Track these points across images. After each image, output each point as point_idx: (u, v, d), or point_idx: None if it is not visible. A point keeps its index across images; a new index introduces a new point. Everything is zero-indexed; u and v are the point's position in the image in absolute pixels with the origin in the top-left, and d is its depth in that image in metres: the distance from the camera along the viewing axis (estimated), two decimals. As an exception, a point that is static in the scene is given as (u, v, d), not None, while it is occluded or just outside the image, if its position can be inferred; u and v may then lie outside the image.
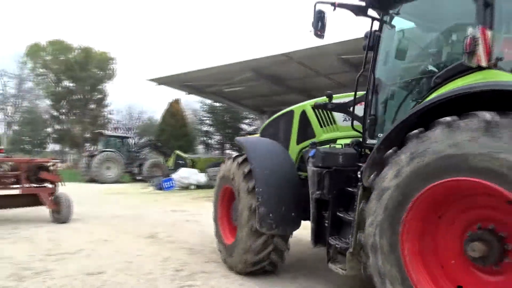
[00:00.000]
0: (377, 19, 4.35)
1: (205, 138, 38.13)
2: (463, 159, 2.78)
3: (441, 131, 2.91)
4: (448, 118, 2.93)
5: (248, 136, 6.64)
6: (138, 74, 75.05)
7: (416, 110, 3.20)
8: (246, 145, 5.19)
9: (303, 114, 5.37)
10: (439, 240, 3.11)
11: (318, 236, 4.25)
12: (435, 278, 3.04)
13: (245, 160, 5.08)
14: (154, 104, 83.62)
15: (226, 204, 5.79)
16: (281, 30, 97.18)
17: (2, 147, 30.66)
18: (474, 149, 2.73)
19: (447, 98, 3.04)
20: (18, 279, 4.85)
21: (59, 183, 9.43)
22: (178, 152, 22.38)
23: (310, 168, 4.37)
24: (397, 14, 4.21)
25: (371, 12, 4.40)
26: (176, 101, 34.85)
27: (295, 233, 4.94)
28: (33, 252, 6.21)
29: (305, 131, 5.38)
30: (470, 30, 3.31)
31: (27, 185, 9.02)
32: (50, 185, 9.32)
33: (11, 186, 9.20)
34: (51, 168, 9.48)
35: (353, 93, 4.51)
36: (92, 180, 22.38)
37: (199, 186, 18.40)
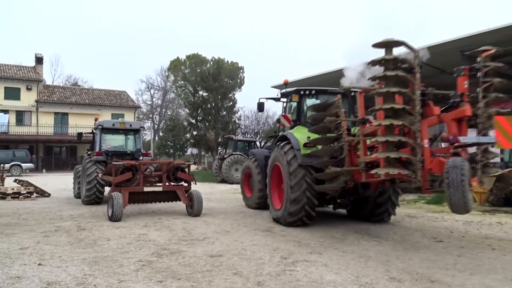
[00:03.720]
0: (284, 102, 10.48)
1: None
2: (274, 157, 9.41)
3: (275, 148, 9.36)
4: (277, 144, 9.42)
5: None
6: (264, 82, 78.50)
7: (277, 137, 9.75)
8: (254, 153, 12.39)
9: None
10: (279, 181, 9.29)
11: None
12: (278, 192, 9.44)
13: (255, 160, 11.93)
14: (279, 109, 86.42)
15: (247, 178, 12.68)
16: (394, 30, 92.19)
17: (150, 151, 35.30)
18: (276, 155, 9.27)
19: (275, 136, 10.84)
20: (158, 256, 6.12)
21: (192, 182, 10.97)
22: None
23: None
24: (290, 100, 10.01)
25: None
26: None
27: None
28: (171, 237, 7.57)
29: None
30: (278, 115, 11.34)
31: (167, 183, 10.71)
32: (185, 184, 10.92)
33: (156, 184, 11.04)
34: (186, 169, 11.06)
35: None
36: (223, 181, 24.47)
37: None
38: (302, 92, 9.64)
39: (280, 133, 9.89)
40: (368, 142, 7.48)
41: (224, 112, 43.76)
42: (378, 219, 9.26)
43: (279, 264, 5.67)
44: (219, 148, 41.14)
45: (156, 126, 70.93)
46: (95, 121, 13.86)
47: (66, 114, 44.23)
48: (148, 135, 65.49)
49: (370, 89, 6.96)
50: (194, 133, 44.73)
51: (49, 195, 15.45)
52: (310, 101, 9.78)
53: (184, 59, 53.19)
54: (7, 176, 21.76)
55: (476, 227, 9.04)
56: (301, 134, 8.77)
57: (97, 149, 13.16)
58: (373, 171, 6.67)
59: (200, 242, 7.18)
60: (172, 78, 56.49)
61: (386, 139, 6.20)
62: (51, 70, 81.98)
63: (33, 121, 42.44)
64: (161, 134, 64.12)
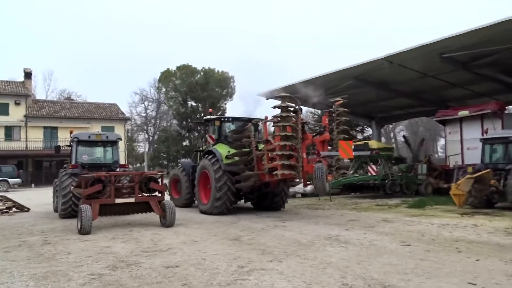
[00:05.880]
0: (208, 125, 14.88)
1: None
2: (202, 165, 13.09)
3: (203, 159, 13.10)
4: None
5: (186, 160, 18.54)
6: (252, 90, 78.49)
7: (204, 152, 13.79)
8: (181, 163, 16.87)
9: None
10: (205, 183, 12.96)
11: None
12: (204, 191, 13.14)
13: (184, 169, 15.03)
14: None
15: (174, 183, 15.76)
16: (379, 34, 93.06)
17: (140, 164, 35.00)
18: (204, 164, 12.92)
19: (199, 151, 15.43)
20: (112, 269, 5.94)
21: (165, 192, 10.79)
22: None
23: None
24: (213, 124, 14.08)
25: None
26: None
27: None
28: (134, 249, 7.39)
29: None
30: (207, 136, 14.61)
31: (139, 194, 10.51)
32: (158, 194, 10.73)
33: (129, 195, 10.82)
34: (159, 179, 10.88)
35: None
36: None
37: (303, 195, 18.86)
38: (222, 119, 13.94)
39: (204, 148, 14.61)
40: (270, 155, 11.27)
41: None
42: (275, 207, 13.38)
43: (233, 274, 5.50)
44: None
45: (150, 137, 70.63)
46: (70, 133, 13.67)
47: (56, 128, 43.86)
48: (142, 147, 65.23)
49: (272, 120, 11.12)
50: (184, 143, 44.60)
51: (28, 210, 15.21)
52: (227, 125, 13.86)
53: (174, 70, 53.29)
54: (-10, 192, 21.47)
55: (450, 229, 8.92)
56: (222, 149, 12.56)
57: (73, 162, 12.96)
58: (274, 173, 10.89)
59: (162, 253, 7.01)
60: (164, 89, 56.55)
61: (282, 153, 10.41)
62: (44, 85, 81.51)
63: (22, 136, 42.13)
64: (155, 145, 63.88)
